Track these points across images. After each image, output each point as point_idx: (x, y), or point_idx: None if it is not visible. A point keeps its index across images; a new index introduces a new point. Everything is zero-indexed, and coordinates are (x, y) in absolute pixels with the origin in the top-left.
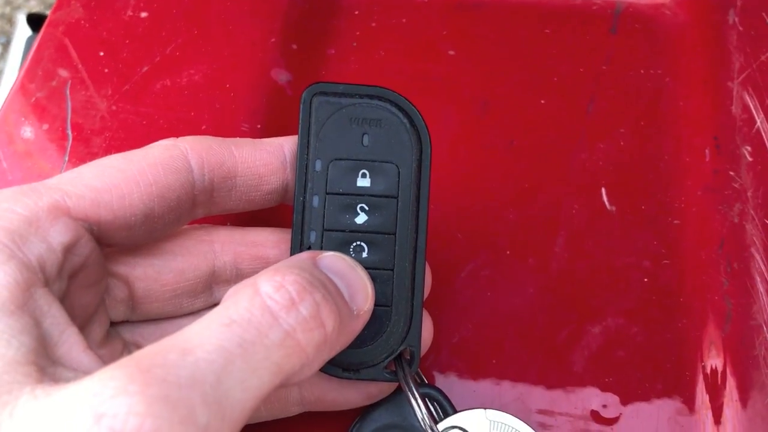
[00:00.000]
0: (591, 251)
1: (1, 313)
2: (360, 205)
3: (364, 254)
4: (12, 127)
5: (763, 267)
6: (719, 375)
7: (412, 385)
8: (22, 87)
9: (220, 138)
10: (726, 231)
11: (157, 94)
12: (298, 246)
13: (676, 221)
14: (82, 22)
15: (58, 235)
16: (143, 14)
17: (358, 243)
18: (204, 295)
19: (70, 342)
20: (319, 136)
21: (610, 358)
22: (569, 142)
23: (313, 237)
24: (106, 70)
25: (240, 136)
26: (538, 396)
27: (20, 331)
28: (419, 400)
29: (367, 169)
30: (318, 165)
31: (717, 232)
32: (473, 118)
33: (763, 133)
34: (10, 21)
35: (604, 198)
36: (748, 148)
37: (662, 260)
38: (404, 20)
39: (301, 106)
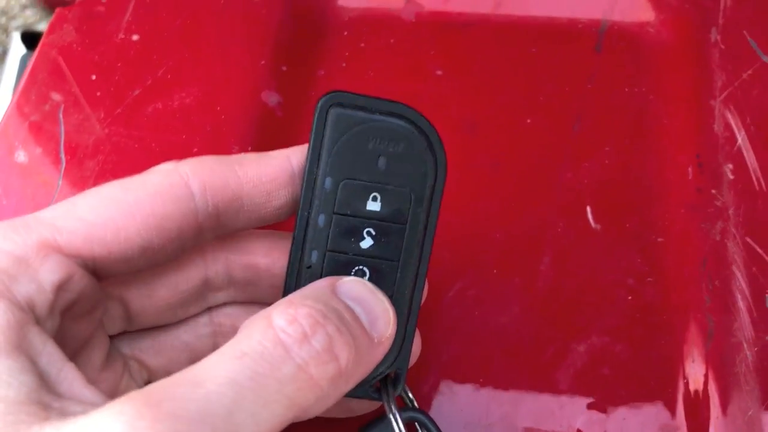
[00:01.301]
0: (576, 270)
1: None
2: (367, 230)
3: (366, 279)
4: (6, 151)
5: (743, 285)
6: (701, 392)
7: (394, 407)
8: (16, 111)
9: (224, 157)
10: (708, 249)
11: (149, 117)
12: (297, 263)
13: (659, 239)
14: (75, 45)
15: (49, 274)
16: (135, 37)
17: (360, 267)
18: (198, 302)
19: (69, 379)
20: (332, 152)
21: (595, 375)
22: (555, 161)
23: (314, 257)
24: (98, 93)
25: None
26: (525, 414)
27: (19, 371)
28: (400, 423)
29: (378, 193)
30: (328, 183)
31: (699, 249)
32: (461, 138)
33: (744, 151)
34: (6, 31)
35: (589, 216)
36: (730, 167)
37: (646, 278)
38: (392, 41)
39: (316, 115)
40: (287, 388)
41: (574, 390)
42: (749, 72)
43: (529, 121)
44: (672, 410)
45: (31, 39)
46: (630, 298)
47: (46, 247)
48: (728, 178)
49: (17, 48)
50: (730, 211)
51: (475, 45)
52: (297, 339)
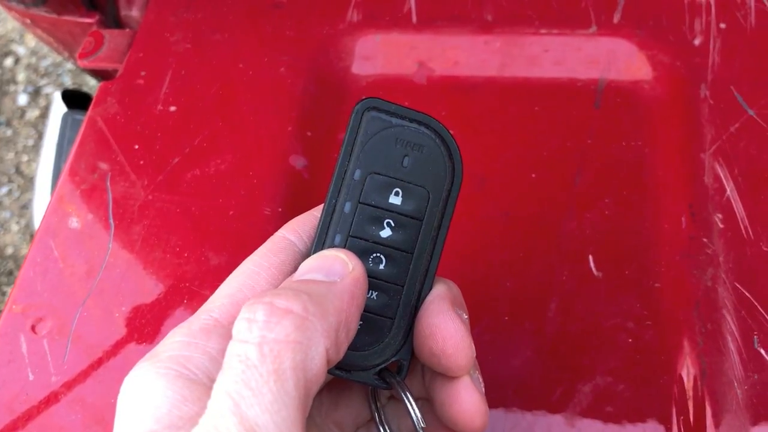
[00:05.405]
0: (581, 314)
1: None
2: (387, 220)
3: (381, 266)
4: (60, 218)
5: (733, 327)
6: (698, 428)
7: (406, 388)
8: (68, 180)
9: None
10: (700, 294)
11: (188, 182)
12: (320, 245)
13: (656, 284)
14: (118, 117)
15: (216, 344)
16: (172, 108)
17: (378, 255)
18: None
19: None
20: (364, 148)
21: (600, 413)
22: (559, 213)
23: (337, 240)
24: (141, 162)
25: (262, 220)
26: None
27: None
28: (413, 403)
29: (400, 188)
30: (357, 174)
31: (693, 294)
32: (472, 193)
33: (732, 201)
34: (36, 71)
35: (592, 264)
36: (720, 216)
37: (645, 321)
38: (406, 102)
39: (353, 115)
40: (268, 365)
41: (581, 428)
42: (736, 125)
43: (534, 175)
44: None
45: (71, 98)
46: (630, 340)
47: (207, 329)
48: (718, 227)
49: (58, 106)
50: (721, 258)
51: (482, 105)
52: (244, 328)
